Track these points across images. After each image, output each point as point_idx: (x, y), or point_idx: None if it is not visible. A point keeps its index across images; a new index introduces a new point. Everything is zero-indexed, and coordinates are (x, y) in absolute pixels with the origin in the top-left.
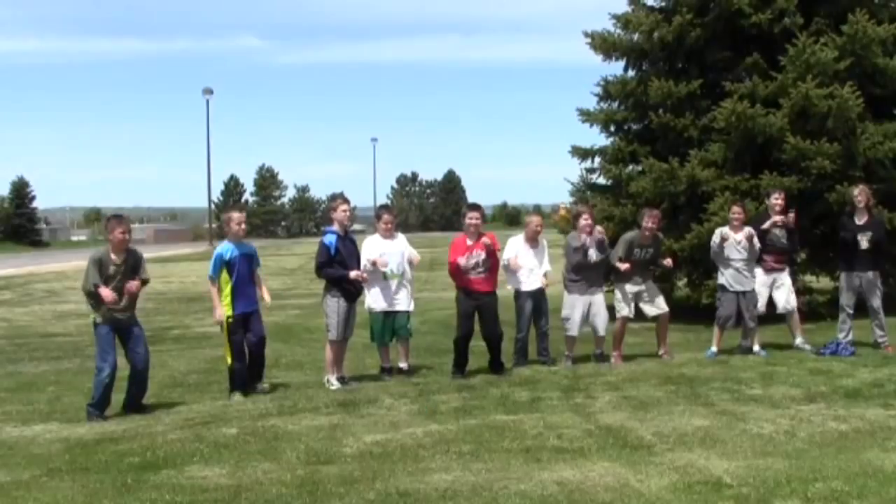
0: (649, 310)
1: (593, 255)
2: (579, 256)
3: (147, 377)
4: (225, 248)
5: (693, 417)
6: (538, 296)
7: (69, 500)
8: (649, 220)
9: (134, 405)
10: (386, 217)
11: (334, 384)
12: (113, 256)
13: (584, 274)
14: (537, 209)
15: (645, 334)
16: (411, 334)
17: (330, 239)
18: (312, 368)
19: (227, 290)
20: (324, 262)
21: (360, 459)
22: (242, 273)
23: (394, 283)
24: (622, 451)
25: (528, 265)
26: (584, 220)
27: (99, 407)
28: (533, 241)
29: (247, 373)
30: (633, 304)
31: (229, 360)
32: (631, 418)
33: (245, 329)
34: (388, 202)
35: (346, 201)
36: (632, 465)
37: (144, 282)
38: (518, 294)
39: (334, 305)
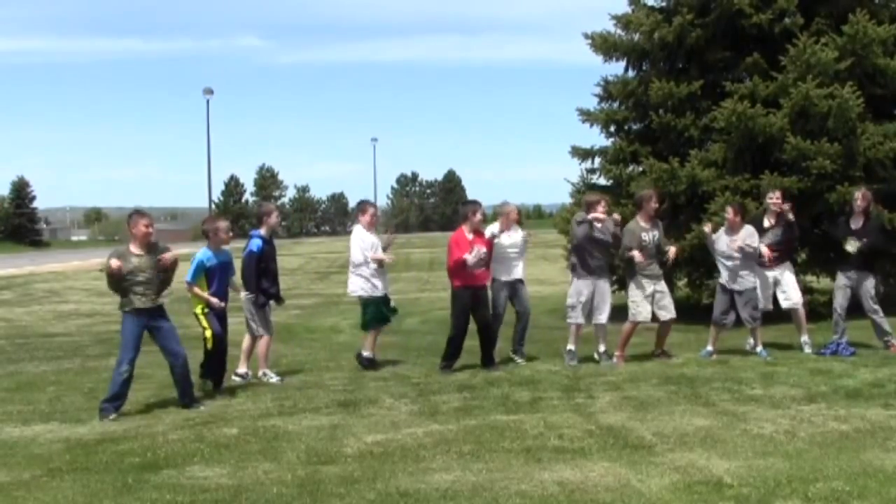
0: (660, 314)
1: (600, 229)
2: (585, 228)
3: (188, 371)
4: (206, 255)
5: (694, 417)
6: (515, 286)
7: (69, 500)
8: (653, 202)
9: (186, 400)
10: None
11: (273, 377)
12: (133, 249)
13: (589, 253)
14: (537, 209)
15: (645, 334)
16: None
17: (257, 244)
18: (313, 368)
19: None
20: (259, 275)
21: (361, 459)
22: (221, 281)
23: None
24: (623, 452)
25: (508, 246)
26: (602, 208)
27: (112, 402)
28: (510, 229)
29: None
30: (650, 308)
31: (209, 345)
32: (631, 418)
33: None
34: (389, 202)
35: (277, 208)
36: (632, 465)
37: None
38: (493, 281)
39: (251, 306)
